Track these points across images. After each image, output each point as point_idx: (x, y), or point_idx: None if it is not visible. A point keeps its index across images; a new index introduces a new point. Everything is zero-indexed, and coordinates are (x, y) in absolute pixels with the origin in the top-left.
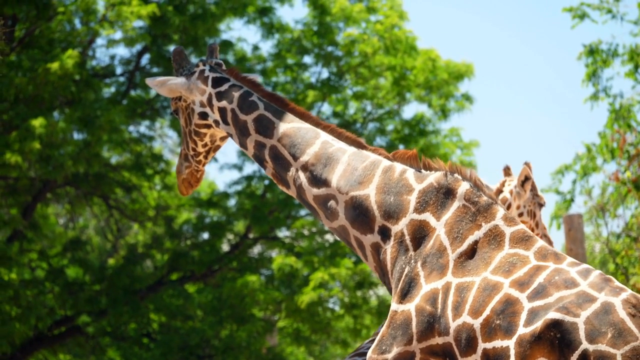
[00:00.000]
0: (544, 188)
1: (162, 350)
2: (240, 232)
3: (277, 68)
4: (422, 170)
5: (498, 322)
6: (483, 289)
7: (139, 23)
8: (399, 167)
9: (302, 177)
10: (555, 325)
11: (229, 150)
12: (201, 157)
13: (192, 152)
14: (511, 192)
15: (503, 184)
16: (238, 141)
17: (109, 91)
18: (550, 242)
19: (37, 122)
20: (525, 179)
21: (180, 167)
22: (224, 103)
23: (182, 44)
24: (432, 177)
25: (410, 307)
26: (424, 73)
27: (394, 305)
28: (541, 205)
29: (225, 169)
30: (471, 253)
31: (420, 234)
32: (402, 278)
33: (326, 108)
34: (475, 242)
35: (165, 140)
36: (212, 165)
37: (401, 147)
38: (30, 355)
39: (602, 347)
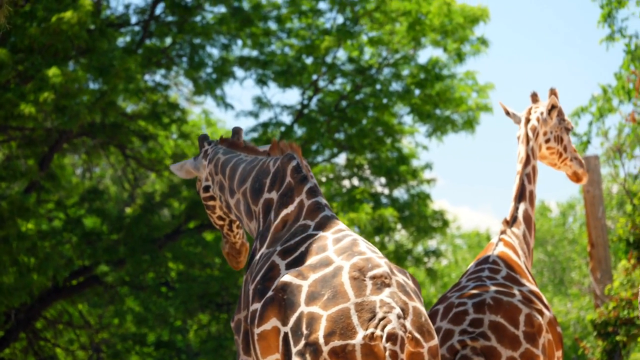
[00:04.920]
0: None
1: (181, 299)
2: None
3: (292, 14)
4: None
5: (259, 286)
6: (266, 257)
7: None
8: (269, 159)
9: (228, 196)
10: (283, 287)
11: (245, 97)
12: (226, 230)
13: (218, 226)
14: (538, 119)
15: (530, 112)
16: (218, 189)
17: (124, 40)
18: (581, 164)
19: (52, 72)
20: (552, 107)
21: (223, 244)
22: (210, 166)
23: None
24: (280, 159)
25: (246, 276)
26: (439, 17)
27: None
28: (568, 129)
29: (241, 116)
30: (282, 226)
31: (267, 210)
32: (251, 251)
33: (341, 54)
34: (287, 215)
35: (181, 89)
36: (229, 113)
37: (417, 92)
38: (49, 305)
39: (314, 308)
